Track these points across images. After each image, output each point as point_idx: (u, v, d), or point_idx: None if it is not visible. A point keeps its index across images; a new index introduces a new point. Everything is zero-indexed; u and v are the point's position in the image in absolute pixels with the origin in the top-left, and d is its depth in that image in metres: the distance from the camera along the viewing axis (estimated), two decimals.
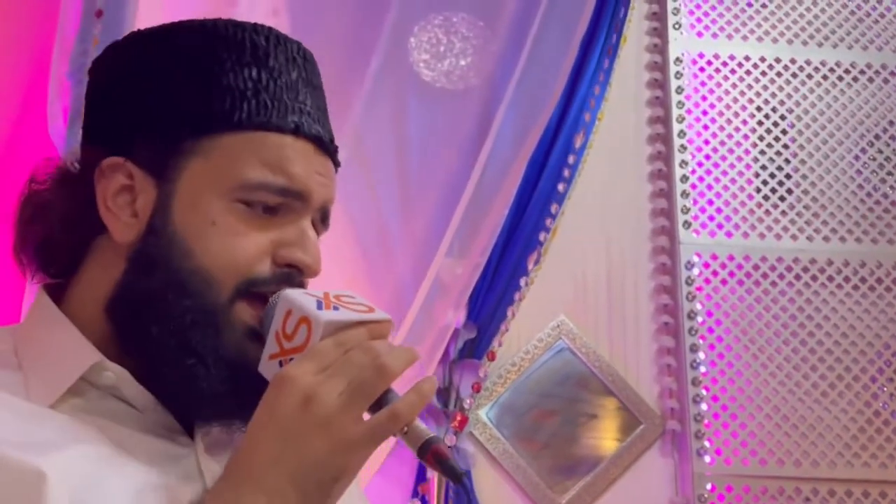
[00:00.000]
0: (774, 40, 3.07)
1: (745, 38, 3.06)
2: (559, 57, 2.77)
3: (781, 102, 3.00)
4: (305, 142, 1.03)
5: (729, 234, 2.87)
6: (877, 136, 2.99)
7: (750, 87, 3.01)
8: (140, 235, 0.99)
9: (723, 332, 2.79)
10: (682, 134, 2.93)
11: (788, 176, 2.93)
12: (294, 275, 1.01)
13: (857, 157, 2.97)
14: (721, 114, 2.98)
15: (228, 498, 0.87)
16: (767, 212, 2.90)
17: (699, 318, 2.78)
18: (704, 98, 2.99)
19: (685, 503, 2.65)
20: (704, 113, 2.98)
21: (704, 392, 2.72)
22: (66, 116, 2.35)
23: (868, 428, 2.73)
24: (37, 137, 2.31)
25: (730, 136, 2.96)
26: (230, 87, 1.01)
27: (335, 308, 0.93)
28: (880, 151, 2.98)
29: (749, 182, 2.92)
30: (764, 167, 2.93)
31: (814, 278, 2.85)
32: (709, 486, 2.64)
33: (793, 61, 3.04)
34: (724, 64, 3.03)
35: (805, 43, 3.07)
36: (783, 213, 2.90)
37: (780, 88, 3.01)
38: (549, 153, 2.78)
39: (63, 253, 1.03)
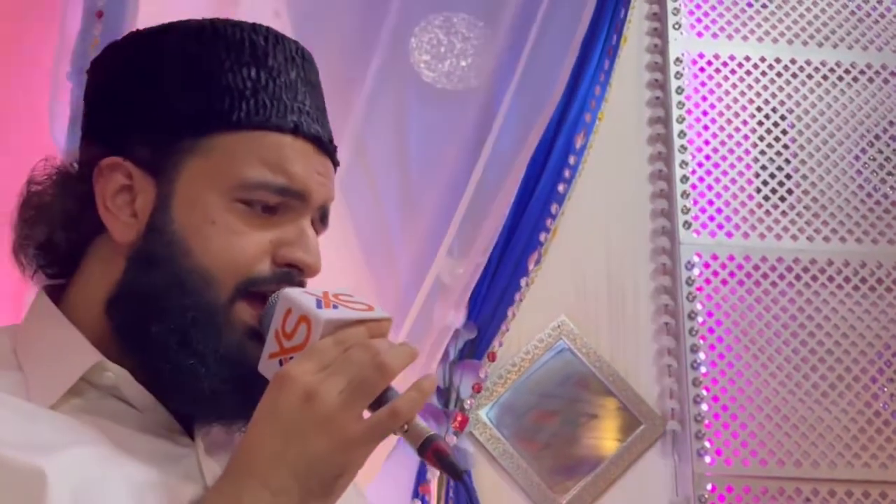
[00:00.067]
0: (775, 40, 3.07)
1: (745, 38, 3.06)
2: (559, 57, 2.77)
3: (782, 103, 3.00)
4: (304, 141, 1.03)
5: (729, 235, 2.87)
6: (877, 137, 2.99)
7: (750, 87, 3.01)
8: (139, 235, 0.99)
9: (723, 332, 2.79)
10: (682, 134, 2.93)
11: (789, 176, 2.93)
12: (294, 274, 1.01)
13: (857, 158, 2.97)
14: (721, 114, 2.98)
15: (230, 494, 0.88)
16: (768, 212, 2.90)
17: (699, 319, 2.78)
18: (705, 98, 2.99)
19: (685, 503, 2.65)
20: (705, 113, 2.98)
21: (705, 392, 2.72)
22: (68, 117, 2.36)
23: (868, 428, 2.73)
24: (38, 138, 2.31)
25: (730, 137, 2.96)
26: (229, 86, 1.01)
27: (335, 307, 0.94)
28: (880, 152, 2.98)
29: (749, 182, 2.92)
30: (764, 167, 2.93)
31: (814, 279, 2.84)
32: (709, 487, 2.64)
33: (793, 61, 3.04)
34: (725, 64, 3.03)
35: (805, 43, 3.07)
36: (783, 213, 2.90)
37: (781, 89, 3.01)
38: (549, 153, 2.78)
39: (62, 253, 1.04)
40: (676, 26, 3.04)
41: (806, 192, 2.92)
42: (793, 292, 2.83)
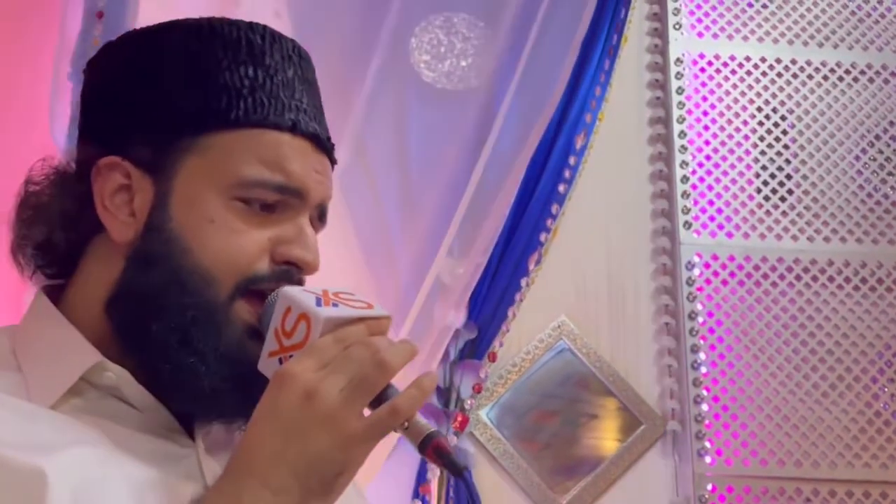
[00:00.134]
0: (775, 41, 3.07)
1: (745, 38, 3.06)
2: (560, 58, 2.77)
3: (782, 103, 3.00)
4: (302, 139, 1.03)
5: (730, 235, 2.87)
6: (877, 137, 2.98)
7: (750, 87, 3.01)
8: (138, 234, 0.99)
9: (724, 332, 2.79)
10: (682, 134, 2.93)
11: (789, 176, 2.93)
12: (293, 272, 1.01)
13: (857, 158, 2.97)
14: (722, 114, 2.98)
15: (230, 493, 0.88)
16: (768, 212, 2.90)
17: (700, 319, 2.78)
18: (705, 98, 2.99)
19: (686, 503, 2.65)
20: (705, 113, 2.98)
21: (705, 393, 2.72)
22: (68, 117, 2.36)
23: (869, 429, 2.73)
24: (38, 138, 2.31)
25: (730, 137, 2.96)
26: (227, 84, 1.01)
27: (334, 305, 0.94)
28: (881, 152, 2.97)
29: (750, 182, 2.92)
30: (764, 168, 2.93)
31: (814, 279, 2.84)
32: (709, 487, 2.63)
33: (793, 62, 3.04)
34: (725, 64, 3.03)
35: (806, 43, 3.07)
36: (784, 213, 2.90)
37: (781, 89, 3.01)
38: (549, 154, 2.78)
39: (61, 253, 1.03)
40: (677, 26, 3.04)
41: (806, 193, 2.92)
42: (793, 293, 2.83)
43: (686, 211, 2.86)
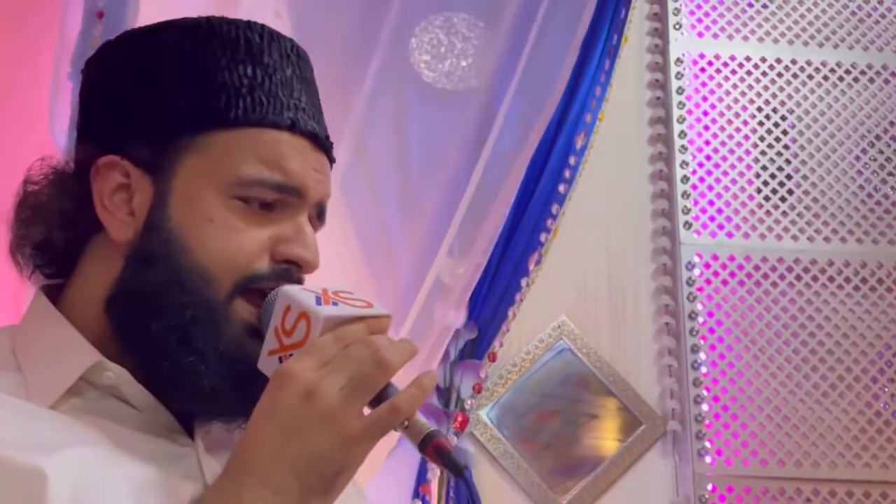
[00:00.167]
0: (775, 41, 3.06)
1: (745, 38, 3.06)
2: (560, 58, 2.77)
3: (782, 103, 3.00)
4: (301, 138, 1.03)
5: (730, 235, 2.87)
6: (877, 137, 2.98)
7: (751, 87, 3.01)
8: (137, 233, 0.99)
9: (724, 332, 2.79)
10: (682, 135, 2.93)
11: (789, 176, 2.93)
12: (292, 270, 1.01)
13: (857, 158, 2.97)
14: (722, 114, 2.98)
15: (230, 492, 0.88)
16: (768, 212, 2.90)
17: (700, 319, 2.78)
18: (705, 99, 2.99)
19: (686, 503, 2.65)
20: (705, 114, 2.98)
21: (705, 393, 2.72)
22: (68, 117, 2.36)
23: (869, 429, 2.73)
24: (38, 138, 2.31)
25: (731, 137, 2.96)
26: (225, 83, 1.01)
27: (334, 303, 0.94)
28: (881, 152, 2.97)
29: (750, 183, 2.92)
30: (765, 168, 2.93)
31: (814, 279, 2.84)
32: (710, 487, 2.63)
33: (794, 62, 3.04)
34: (725, 64, 3.03)
35: (806, 43, 3.07)
36: (784, 213, 2.90)
37: (781, 89, 3.01)
38: (549, 154, 2.78)
39: (60, 253, 1.03)
40: (677, 26, 3.04)
41: (806, 193, 2.92)
42: (793, 293, 2.83)
43: (686, 211, 2.86)
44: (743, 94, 3.00)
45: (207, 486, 0.95)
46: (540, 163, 2.76)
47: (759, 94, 3.00)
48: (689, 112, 2.96)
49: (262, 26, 1.06)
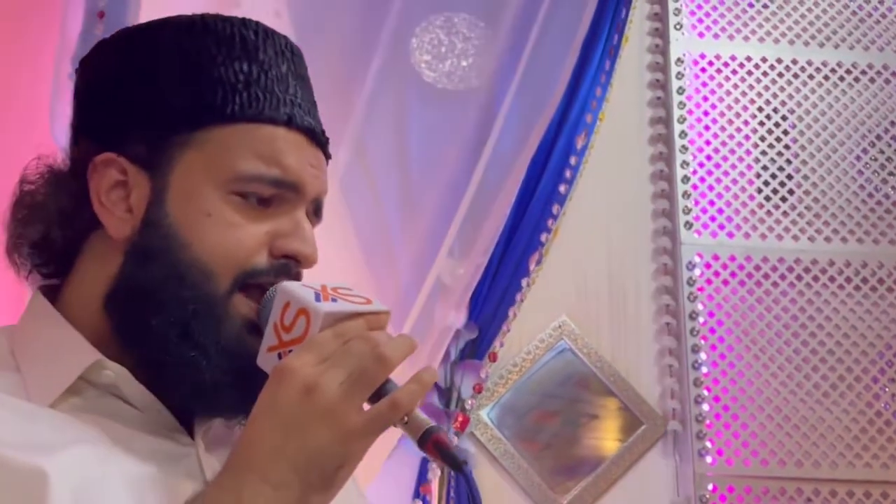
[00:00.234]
0: (776, 41, 3.07)
1: (746, 38, 3.06)
2: (561, 58, 2.78)
3: (783, 103, 3.00)
4: (298, 133, 1.03)
5: (730, 235, 2.87)
6: (878, 137, 2.98)
7: (751, 87, 3.01)
8: (135, 230, 0.99)
9: (724, 332, 2.79)
10: (683, 135, 2.93)
11: (790, 176, 2.93)
12: (291, 265, 1.01)
13: (858, 158, 2.97)
14: (722, 114, 2.98)
15: (230, 488, 0.88)
16: (769, 212, 2.90)
17: (701, 319, 2.78)
18: (706, 99, 2.99)
19: (686, 503, 2.65)
20: (706, 114, 2.98)
21: (706, 393, 2.72)
22: (69, 117, 2.35)
23: (870, 429, 2.73)
24: (38, 138, 2.31)
25: (731, 137, 2.96)
26: (221, 79, 1.01)
27: (333, 300, 0.94)
28: (882, 152, 2.97)
29: (750, 183, 2.92)
30: (765, 168, 2.93)
31: (815, 279, 2.84)
32: (710, 487, 2.63)
33: (794, 62, 3.04)
34: (726, 64, 3.03)
35: (806, 43, 3.07)
36: (785, 213, 2.90)
37: (782, 89, 3.01)
38: (550, 154, 2.78)
39: (58, 251, 1.03)
40: (678, 27, 3.04)
41: (807, 193, 2.92)
42: (794, 293, 2.83)
43: (687, 211, 2.86)
44: (744, 94, 3.00)
45: (208, 485, 0.94)
46: (540, 163, 2.76)
47: (759, 95, 3.00)
48: (690, 112, 2.96)
49: (257, 23, 1.06)
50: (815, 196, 2.92)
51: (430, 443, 0.88)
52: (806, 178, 2.93)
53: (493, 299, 2.67)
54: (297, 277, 1.01)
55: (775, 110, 2.99)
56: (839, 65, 3.05)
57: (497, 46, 2.78)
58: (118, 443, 0.92)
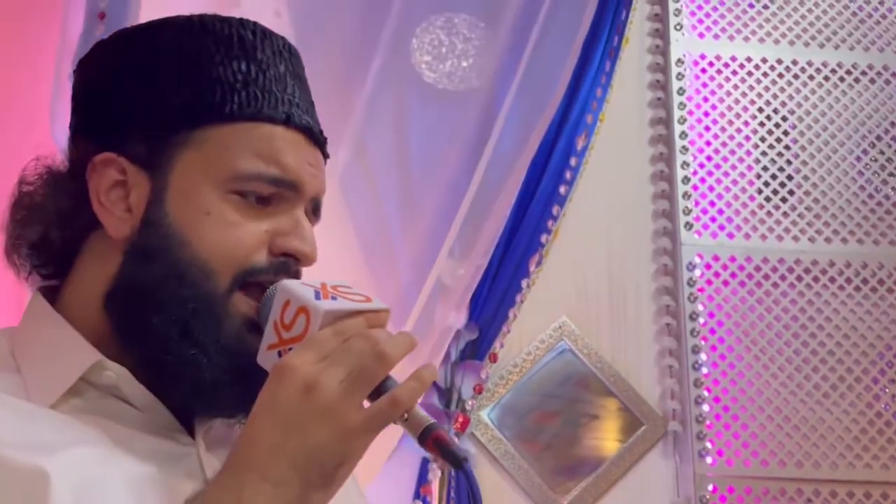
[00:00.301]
0: (776, 41, 3.07)
1: (746, 39, 3.06)
2: (561, 59, 2.78)
3: (783, 104, 3.00)
4: (296, 132, 1.04)
5: (731, 236, 2.87)
6: (878, 138, 2.98)
7: (752, 88, 3.01)
8: (135, 230, 0.99)
9: (724, 333, 2.79)
10: (683, 135, 2.93)
11: (790, 177, 2.93)
12: (290, 264, 1.01)
13: (858, 159, 2.97)
14: (723, 115, 2.98)
15: (230, 486, 0.88)
16: (769, 213, 2.90)
17: (701, 320, 2.78)
18: (706, 99, 2.99)
19: None
20: (706, 114, 2.98)
21: (706, 393, 2.72)
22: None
23: (870, 429, 2.73)
24: (38, 138, 2.31)
25: (731, 138, 2.96)
26: (220, 79, 1.01)
27: (333, 298, 0.94)
28: (882, 153, 2.97)
29: (751, 183, 2.92)
30: (766, 168, 2.93)
31: (815, 280, 2.84)
32: (710, 488, 2.63)
33: (794, 62, 3.04)
34: (726, 65, 3.03)
35: (807, 44, 3.07)
36: (785, 214, 2.90)
37: (782, 90, 3.01)
38: (550, 155, 2.78)
39: (57, 252, 1.03)
40: (678, 27, 3.04)
41: (807, 194, 2.92)
42: (794, 293, 2.83)
43: (687, 212, 2.86)
44: (744, 94, 3.00)
45: (208, 483, 0.94)
46: (541, 164, 2.76)
47: (759, 95, 3.00)
48: (690, 113, 2.96)
49: (255, 24, 1.07)
50: (816, 197, 2.92)
51: (430, 439, 0.88)
52: (806, 178, 2.93)
53: (493, 300, 2.67)
54: (297, 276, 1.01)
55: (776, 111, 2.99)
56: (839, 65, 3.05)
57: (497, 47, 2.78)
58: (119, 443, 0.92)
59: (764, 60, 3.03)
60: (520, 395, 2.72)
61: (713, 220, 2.87)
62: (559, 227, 2.79)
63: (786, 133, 2.97)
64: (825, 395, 2.74)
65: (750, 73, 3.02)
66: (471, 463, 2.59)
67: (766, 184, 2.92)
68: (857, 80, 3.04)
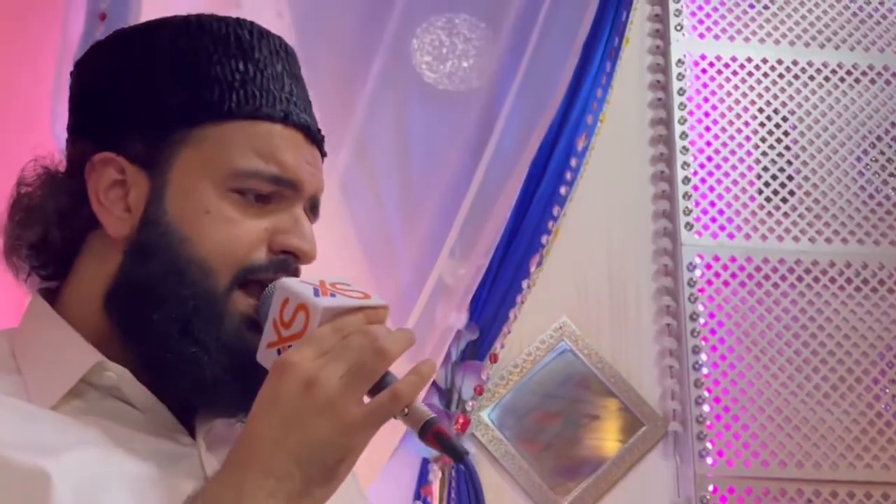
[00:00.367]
0: (776, 42, 3.07)
1: (746, 39, 3.06)
2: (561, 59, 2.78)
3: (783, 104, 3.00)
4: (294, 130, 1.04)
5: (731, 236, 2.87)
6: (879, 138, 2.99)
7: (752, 88, 3.01)
8: (134, 229, 0.99)
9: (725, 333, 2.79)
10: (684, 136, 2.93)
11: (790, 177, 2.93)
12: (290, 261, 1.01)
13: (858, 159, 2.97)
14: (723, 115, 2.98)
15: (231, 483, 0.87)
16: (769, 213, 2.90)
17: (701, 320, 2.78)
18: (706, 100, 2.99)
19: None
20: (706, 115, 2.98)
21: (706, 394, 2.72)
22: None
23: (870, 430, 2.73)
24: (38, 138, 2.30)
25: (732, 138, 2.96)
26: (218, 78, 1.01)
27: (332, 295, 0.94)
28: (882, 153, 2.97)
29: (751, 184, 2.92)
30: (766, 169, 2.93)
31: (816, 280, 2.84)
32: (711, 488, 2.63)
33: (795, 63, 3.04)
34: (726, 66, 3.03)
35: (807, 44, 3.07)
36: (785, 214, 2.90)
37: (782, 90, 3.01)
38: (551, 155, 2.78)
39: (56, 252, 1.03)
40: (678, 28, 3.04)
41: (808, 194, 2.92)
42: (794, 294, 2.83)
43: (687, 212, 2.86)
44: (744, 95, 3.00)
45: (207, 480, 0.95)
46: (541, 164, 2.76)
47: (760, 96, 3.00)
48: (691, 113, 2.96)
49: (251, 23, 1.07)
50: (816, 197, 2.92)
51: (430, 433, 0.88)
52: (806, 179, 2.93)
53: (493, 300, 2.68)
54: (296, 273, 1.01)
55: (776, 111, 2.99)
56: (840, 66, 3.05)
57: (498, 48, 2.78)
58: (120, 444, 0.92)
59: (764, 61, 3.04)
60: (520, 395, 2.72)
61: (713, 220, 2.88)
62: (559, 228, 2.79)
63: (786, 133, 2.98)
64: (826, 396, 2.74)
65: (750, 74, 3.02)
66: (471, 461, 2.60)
67: (767, 184, 2.92)
68: (857, 81, 3.04)
